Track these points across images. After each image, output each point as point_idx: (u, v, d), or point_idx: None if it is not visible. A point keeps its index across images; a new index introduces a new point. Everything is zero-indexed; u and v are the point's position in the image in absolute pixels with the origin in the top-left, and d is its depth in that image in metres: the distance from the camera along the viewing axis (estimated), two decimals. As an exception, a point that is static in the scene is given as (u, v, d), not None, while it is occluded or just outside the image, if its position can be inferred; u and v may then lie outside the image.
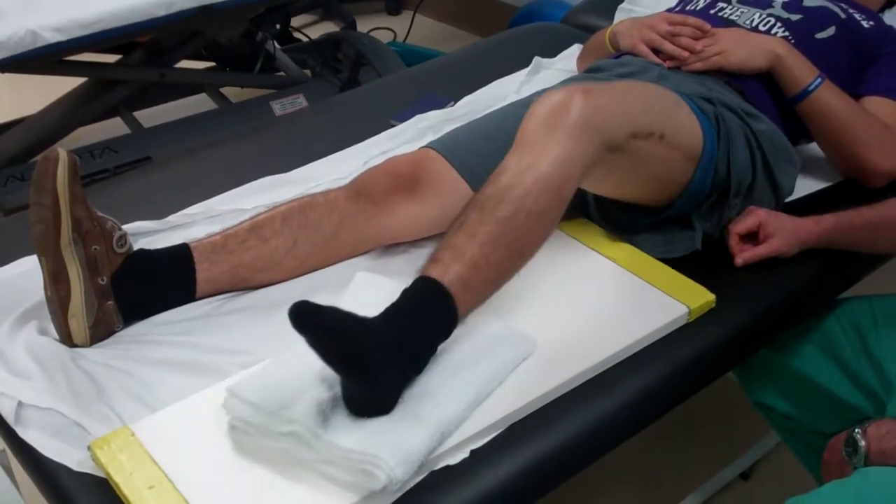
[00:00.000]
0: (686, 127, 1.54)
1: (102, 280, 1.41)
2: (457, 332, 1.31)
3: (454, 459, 1.23)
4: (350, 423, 1.19)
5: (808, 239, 1.56)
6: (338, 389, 1.22)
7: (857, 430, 1.27)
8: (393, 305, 1.24)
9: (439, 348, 1.29)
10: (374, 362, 1.17)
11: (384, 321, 1.21)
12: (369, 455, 1.14)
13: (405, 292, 1.26)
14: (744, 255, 1.56)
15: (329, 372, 1.20)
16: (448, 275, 1.26)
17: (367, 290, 1.42)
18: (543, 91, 1.81)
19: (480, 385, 1.28)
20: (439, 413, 1.21)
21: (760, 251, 1.56)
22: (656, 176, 1.53)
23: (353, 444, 1.15)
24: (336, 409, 1.21)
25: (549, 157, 1.32)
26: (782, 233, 1.56)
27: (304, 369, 1.22)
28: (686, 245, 1.60)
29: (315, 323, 1.15)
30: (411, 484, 1.19)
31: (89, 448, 1.22)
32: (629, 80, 1.66)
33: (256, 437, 1.21)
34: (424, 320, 1.25)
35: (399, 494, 1.17)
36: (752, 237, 1.58)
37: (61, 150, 1.38)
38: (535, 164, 1.32)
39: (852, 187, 1.76)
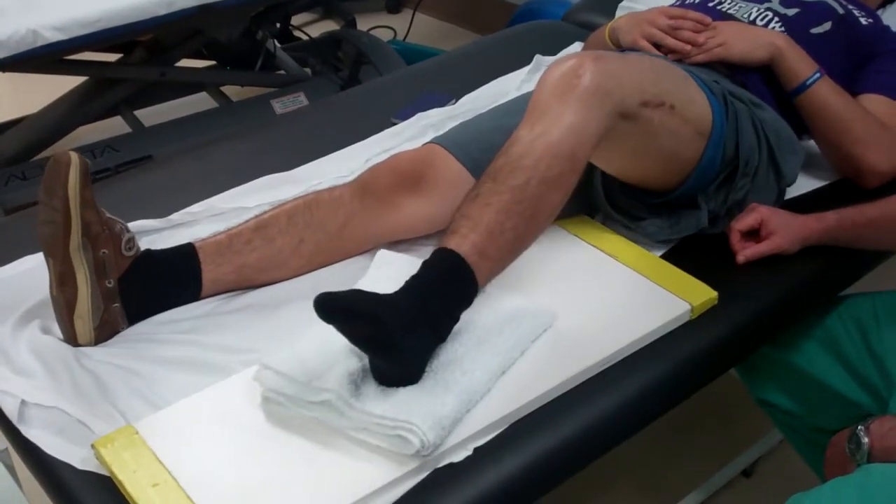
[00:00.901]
0: (696, 101, 1.54)
1: (109, 283, 1.41)
2: (479, 305, 1.34)
3: (457, 457, 1.23)
4: (381, 392, 1.24)
5: (809, 236, 1.56)
6: (367, 361, 1.25)
7: (860, 428, 1.27)
8: (413, 278, 1.26)
9: (464, 319, 1.31)
10: (399, 338, 1.20)
11: (405, 295, 1.24)
12: (402, 421, 1.17)
13: (424, 264, 1.28)
14: (745, 252, 1.56)
15: None
16: (465, 245, 1.28)
17: (389, 267, 1.46)
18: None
19: (505, 353, 1.32)
20: (467, 380, 1.26)
21: (762, 248, 1.56)
22: (668, 150, 1.53)
23: (385, 411, 1.19)
24: (366, 378, 1.26)
25: (561, 124, 1.33)
26: (784, 230, 1.56)
27: (332, 342, 1.24)
28: (692, 223, 1.60)
29: (339, 310, 1.18)
30: (415, 481, 1.19)
31: (93, 446, 1.22)
32: (638, 53, 1.65)
33: (289, 408, 1.24)
34: (444, 291, 1.27)
35: (406, 489, 1.18)
36: (753, 234, 1.58)
37: (73, 154, 1.38)
38: (546, 132, 1.33)
39: (852, 184, 1.76)
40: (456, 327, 1.31)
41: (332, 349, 1.26)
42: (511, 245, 1.33)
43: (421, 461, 1.19)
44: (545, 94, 1.37)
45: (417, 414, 1.18)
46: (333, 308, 1.17)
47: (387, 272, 1.37)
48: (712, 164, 1.56)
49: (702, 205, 1.60)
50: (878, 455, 1.23)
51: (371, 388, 1.24)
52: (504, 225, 1.30)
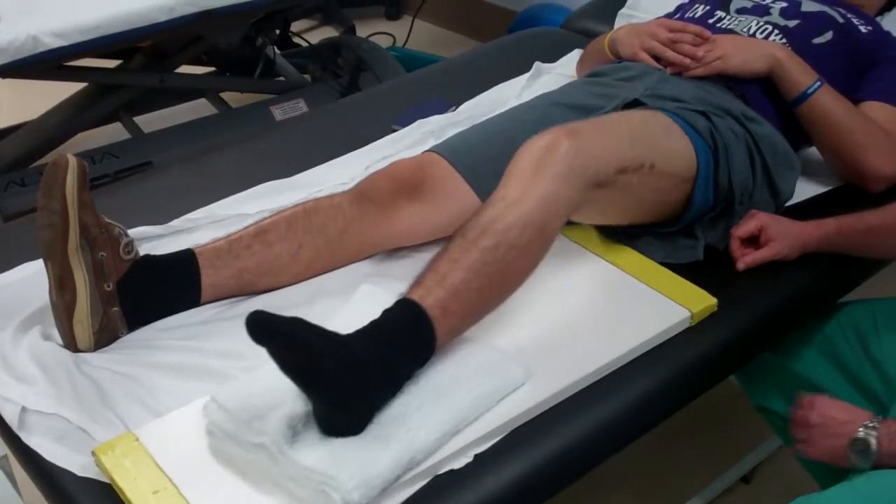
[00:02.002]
0: (677, 152, 1.55)
1: (108, 286, 1.41)
2: (446, 355, 1.31)
3: (458, 464, 1.23)
4: (318, 441, 1.19)
5: (809, 242, 1.57)
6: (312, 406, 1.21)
7: (863, 430, 1.26)
8: (371, 324, 1.24)
9: (424, 371, 1.29)
10: (333, 377, 1.16)
11: (355, 339, 1.21)
12: (327, 476, 1.13)
13: (385, 312, 1.26)
14: (745, 258, 1.57)
15: None
16: (429, 298, 1.27)
17: (370, 303, 1.39)
18: (545, 95, 1.83)
19: (461, 412, 1.25)
20: (410, 439, 1.19)
21: (762, 255, 1.56)
22: (649, 202, 1.55)
23: (314, 463, 1.14)
24: (309, 425, 1.20)
25: (535, 195, 1.34)
26: (783, 236, 1.56)
27: (284, 382, 1.19)
28: (688, 254, 1.60)
29: (273, 334, 1.15)
30: (415, 488, 1.19)
31: (93, 453, 1.22)
32: (617, 113, 1.64)
33: (228, 445, 1.20)
34: (400, 342, 1.25)
35: (406, 496, 1.18)
36: (753, 241, 1.59)
37: (71, 156, 1.38)
38: (519, 200, 1.34)
39: (852, 191, 1.77)
40: (414, 376, 1.28)
41: (281, 389, 1.21)
42: (475, 305, 1.32)
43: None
44: (522, 165, 1.38)
45: (346, 469, 1.13)
46: (264, 329, 1.14)
47: (366, 309, 1.31)
48: (704, 203, 1.58)
49: (699, 236, 1.61)
50: (886, 458, 1.22)
51: (311, 435, 1.19)
52: (470, 284, 1.29)
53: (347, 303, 1.44)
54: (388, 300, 1.31)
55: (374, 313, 1.26)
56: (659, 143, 1.53)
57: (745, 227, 1.58)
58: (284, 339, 1.15)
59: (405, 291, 1.30)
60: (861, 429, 1.26)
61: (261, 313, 1.14)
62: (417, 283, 1.30)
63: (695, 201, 1.56)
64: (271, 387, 1.22)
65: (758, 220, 1.58)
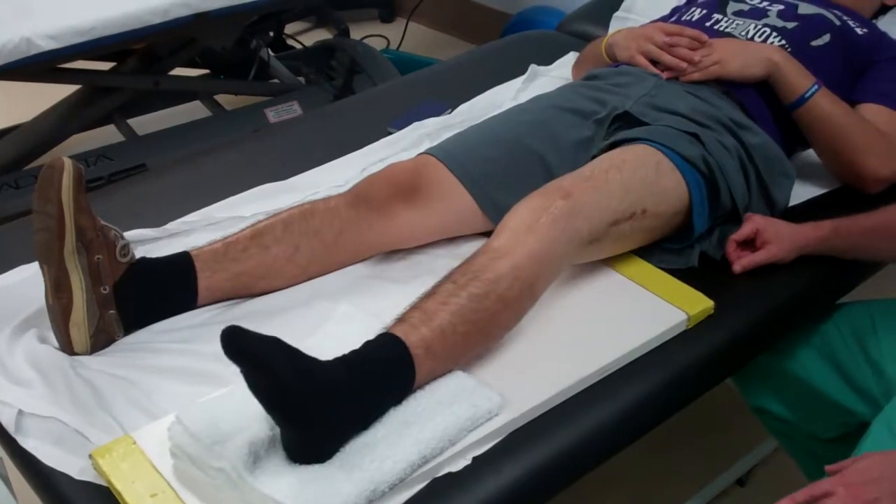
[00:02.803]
0: (668, 190, 1.56)
1: (105, 289, 1.41)
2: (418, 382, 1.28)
3: (456, 466, 1.23)
4: (281, 468, 1.17)
5: (805, 245, 1.57)
6: (278, 431, 1.19)
7: None
8: (352, 353, 1.23)
9: None
10: (301, 403, 1.14)
11: (331, 366, 1.19)
12: None
13: (366, 344, 1.25)
14: (742, 261, 1.57)
15: None
16: (413, 336, 1.26)
17: (349, 325, 1.39)
18: (541, 98, 1.83)
19: (429, 443, 1.21)
20: (374, 469, 1.16)
21: (758, 258, 1.56)
22: (645, 240, 1.58)
23: (273, 491, 1.12)
24: (273, 450, 1.19)
25: (527, 251, 1.35)
26: (779, 239, 1.57)
27: (252, 404, 1.16)
28: (682, 261, 1.61)
29: (243, 351, 1.12)
30: (414, 490, 1.19)
31: (91, 456, 1.22)
32: (609, 159, 1.58)
33: (190, 468, 1.17)
34: (379, 377, 1.24)
35: (404, 499, 1.18)
36: (749, 244, 1.59)
37: (66, 159, 1.38)
38: (512, 253, 1.35)
39: (850, 194, 1.77)
40: None
41: (247, 412, 1.19)
42: (459, 349, 1.32)
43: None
44: (516, 221, 1.40)
45: (307, 499, 1.11)
46: (237, 346, 1.12)
47: (345, 331, 1.31)
48: (703, 227, 1.59)
49: (695, 244, 1.62)
50: None
51: (274, 460, 1.17)
52: (456, 328, 1.29)
53: (325, 323, 1.42)
54: (367, 323, 1.32)
55: (351, 336, 1.25)
56: (650, 187, 1.54)
57: (741, 231, 1.58)
58: (255, 360, 1.12)
59: (388, 325, 1.29)
60: None
61: (236, 329, 1.11)
62: (402, 319, 1.29)
63: (696, 229, 1.57)
64: (238, 408, 1.20)
65: (753, 224, 1.58)
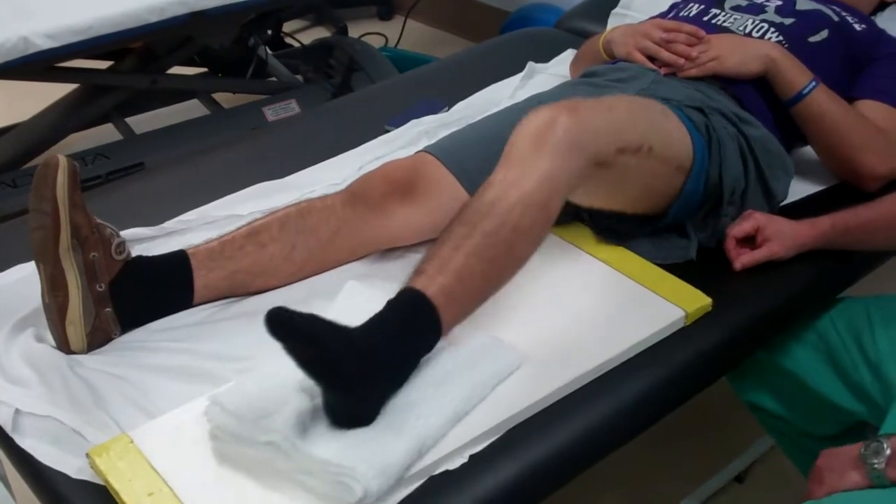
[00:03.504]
0: (675, 138, 1.55)
1: (101, 287, 1.41)
2: (443, 344, 1.31)
3: (453, 464, 1.23)
4: (329, 434, 1.19)
5: (805, 242, 1.57)
6: (319, 400, 1.22)
7: (880, 439, 1.23)
8: (376, 316, 1.24)
9: (423, 360, 1.29)
10: (350, 371, 1.16)
11: (365, 331, 1.21)
12: (345, 467, 1.13)
13: (389, 303, 1.26)
14: (742, 259, 1.57)
15: (311, 382, 1.19)
16: (432, 286, 1.27)
17: (357, 299, 1.41)
18: (538, 95, 1.83)
19: (462, 400, 1.26)
20: (421, 426, 1.20)
21: (759, 255, 1.56)
22: (646, 187, 1.55)
23: (330, 456, 1.14)
24: (317, 419, 1.21)
25: (535, 174, 1.33)
26: (780, 236, 1.57)
27: (286, 379, 1.21)
28: (680, 254, 1.60)
29: (291, 329, 1.14)
30: (411, 489, 1.19)
31: (88, 455, 1.21)
32: (616, 94, 1.64)
33: (235, 447, 1.20)
34: (406, 331, 1.25)
35: (401, 497, 1.18)
36: (749, 241, 1.59)
37: (61, 157, 1.38)
38: (520, 180, 1.33)
39: (847, 190, 1.77)
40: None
41: (284, 387, 1.22)
42: (478, 290, 1.33)
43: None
44: (521, 143, 1.37)
45: (362, 460, 1.14)
46: (285, 327, 1.14)
47: (355, 305, 1.33)
48: (694, 195, 1.58)
49: (691, 235, 1.61)
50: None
51: (320, 428, 1.20)
52: (473, 269, 1.29)
53: (335, 300, 1.44)
54: (374, 295, 1.32)
55: (363, 308, 1.25)
56: (658, 127, 1.53)
57: (742, 228, 1.58)
58: (302, 336, 1.15)
59: (406, 280, 1.30)
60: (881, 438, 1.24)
61: (280, 310, 1.14)
62: (419, 271, 1.30)
63: (685, 191, 1.56)
64: (271, 386, 1.23)
65: (754, 221, 1.58)
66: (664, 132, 1.53)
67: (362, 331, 1.21)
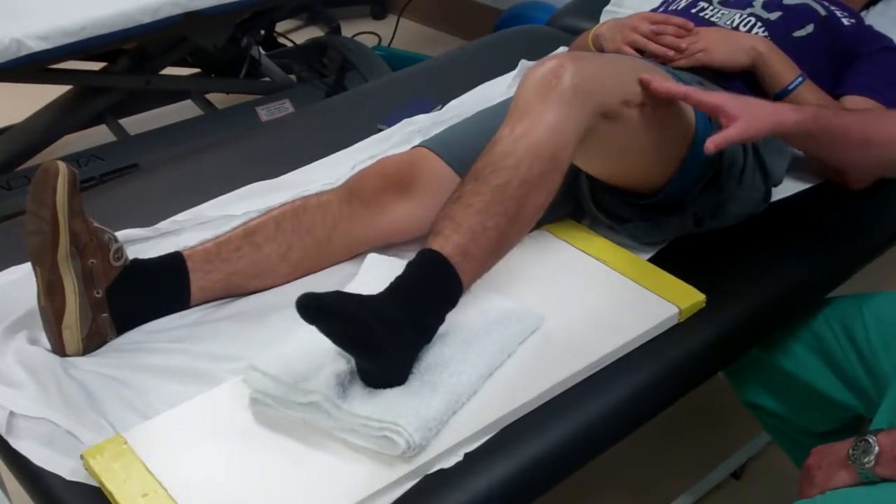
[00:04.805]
0: (676, 101, 1.54)
1: (98, 293, 1.41)
2: (466, 306, 1.35)
3: (448, 463, 1.23)
4: (367, 394, 1.24)
5: (783, 121, 1.43)
6: (354, 363, 1.26)
7: (868, 436, 1.24)
8: (397, 279, 1.27)
9: (450, 321, 1.32)
10: (382, 338, 1.20)
11: (389, 296, 1.24)
12: (388, 422, 1.18)
13: (408, 265, 1.29)
14: (714, 139, 1.39)
15: None
16: (448, 245, 1.28)
17: (380, 269, 1.46)
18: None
19: (492, 355, 1.33)
20: (455, 382, 1.26)
21: (731, 134, 1.39)
22: (651, 149, 1.52)
23: (371, 412, 1.20)
24: (354, 380, 1.26)
25: (542, 124, 1.34)
26: (750, 112, 1.41)
27: (319, 345, 1.24)
28: (677, 227, 1.60)
29: (320, 311, 1.18)
30: (405, 487, 1.19)
31: (82, 457, 1.21)
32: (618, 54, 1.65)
33: (277, 409, 1.25)
34: (428, 291, 1.28)
35: (396, 496, 1.18)
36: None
37: (61, 163, 1.37)
38: (528, 132, 1.33)
39: (835, 189, 1.77)
40: (442, 329, 1.31)
41: (319, 351, 1.26)
42: (494, 245, 1.33)
43: (408, 463, 1.19)
44: (526, 95, 1.37)
45: (404, 415, 1.19)
46: (315, 309, 1.17)
47: (376, 275, 1.37)
48: (694, 165, 1.56)
49: (687, 208, 1.60)
50: (885, 461, 1.21)
51: (358, 389, 1.24)
52: (486, 224, 1.30)
53: (358, 273, 1.51)
54: (397, 263, 1.35)
55: (388, 276, 1.28)
56: None
57: (703, 102, 1.44)
58: (335, 316, 1.18)
59: (424, 242, 1.31)
60: (868, 436, 1.24)
61: (309, 295, 1.17)
62: (434, 231, 1.31)
63: (687, 159, 1.54)
64: (307, 351, 1.27)
65: (713, 98, 1.43)
66: None
67: (386, 296, 1.24)
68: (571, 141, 1.36)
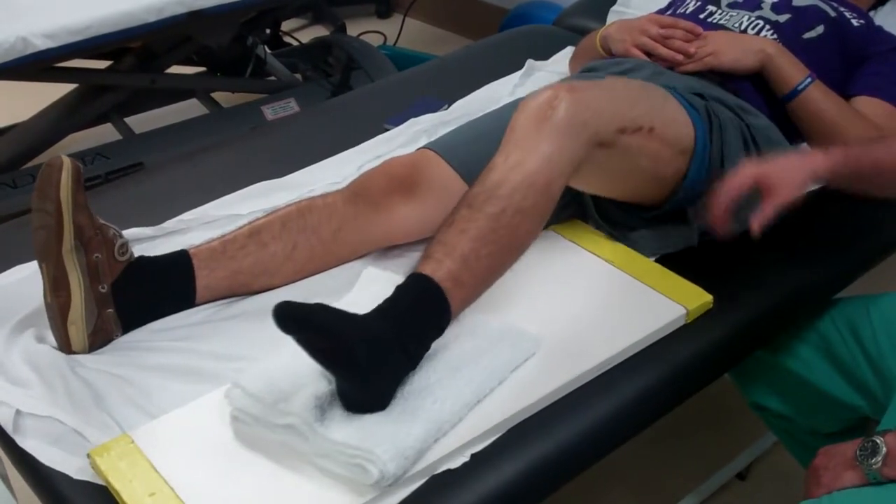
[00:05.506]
0: (676, 120, 1.54)
1: (103, 288, 1.40)
2: (458, 330, 1.33)
3: (455, 463, 1.23)
4: (346, 418, 1.21)
5: (818, 169, 1.41)
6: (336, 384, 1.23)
7: (876, 437, 1.23)
8: (385, 302, 1.25)
9: (441, 345, 1.30)
10: (362, 358, 1.17)
11: (375, 318, 1.22)
12: (362, 450, 1.14)
13: (398, 289, 1.27)
14: (759, 219, 1.36)
15: None
16: (440, 271, 1.28)
17: (376, 286, 1.43)
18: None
19: (480, 383, 1.28)
20: (437, 410, 1.22)
21: (777, 203, 1.36)
22: (648, 171, 1.53)
23: (346, 438, 1.16)
24: (334, 403, 1.23)
25: (537, 155, 1.34)
26: (785, 176, 1.38)
27: (304, 364, 1.22)
28: (683, 240, 1.60)
29: (300, 322, 1.16)
30: (412, 488, 1.19)
31: (89, 456, 1.21)
32: (616, 77, 1.66)
33: (256, 428, 1.22)
34: (416, 316, 1.26)
35: (403, 496, 1.18)
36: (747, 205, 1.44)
37: (65, 157, 1.38)
38: (522, 162, 1.34)
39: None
40: (431, 352, 1.29)
41: (303, 371, 1.24)
42: (486, 272, 1.34)
43: (380, 492, 1.17)
44: (522, 124, 1.38)
45: (379, 443, 1.15)
46: (292, 319, 1.15)
47: (371, 292, 1.34)
48: (698, 179, 1.56)
49: (692, 221, 1.60)
50: (893, 462, 1.21)
51: (337, 412, 1.21)
52: (479, 252, 1.30)
53: (353, 288, 1.47)
54: (393, 280, 1.33)
55: (382, 294, 1.27)
56: (658, 108, 1.52)
57: (732, 184, 1.39)
58: (312, 328, 1.16)
59: (415, 266, 1.31)
60: (875, 437, 1.23)
61: (287, 304, 1.15)
62: (427, 256, 1.31)
63: (689, 176, 1.55)
64: (291, 369, 1.24)
65: (749, 172, 1.39)
66: (665, 114, 1.53)
67: (372, 317, 1.22)
68: (566, 171, 1.37)
